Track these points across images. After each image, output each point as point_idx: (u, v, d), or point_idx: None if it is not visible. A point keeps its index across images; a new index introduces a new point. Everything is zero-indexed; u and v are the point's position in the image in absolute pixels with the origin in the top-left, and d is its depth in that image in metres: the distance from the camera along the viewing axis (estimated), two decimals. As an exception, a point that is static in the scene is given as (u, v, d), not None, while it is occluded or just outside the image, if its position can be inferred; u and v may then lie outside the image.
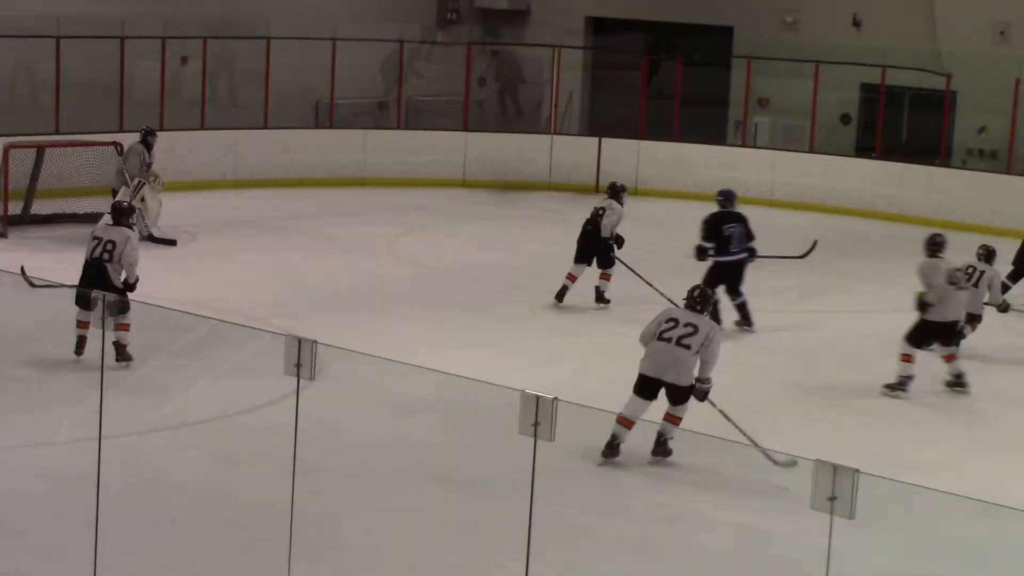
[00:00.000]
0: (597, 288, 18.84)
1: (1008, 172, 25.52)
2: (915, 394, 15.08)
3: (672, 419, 12.66)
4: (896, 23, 27.98)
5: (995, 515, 9.93)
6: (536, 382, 8.51)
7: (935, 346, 15.35)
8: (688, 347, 12.52)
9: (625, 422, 12.47)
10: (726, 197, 17.90)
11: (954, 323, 15.31)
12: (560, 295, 18.54)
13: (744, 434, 12.54)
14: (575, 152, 27.63)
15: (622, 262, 18.69)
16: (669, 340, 12.57)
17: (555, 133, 27.93)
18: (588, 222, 18.77)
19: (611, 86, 31.67)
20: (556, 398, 7.57)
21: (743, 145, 28.49)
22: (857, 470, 6.87)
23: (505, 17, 32.55)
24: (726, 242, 17.39)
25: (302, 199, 25.08)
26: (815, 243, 19.28)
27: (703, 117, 29.82)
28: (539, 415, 7.59)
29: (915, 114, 27.75)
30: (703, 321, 12.84)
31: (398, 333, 16.62)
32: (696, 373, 12.60)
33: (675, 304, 14.25)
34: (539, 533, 7.96)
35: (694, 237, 17.74)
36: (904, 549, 10.68)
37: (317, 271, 20.25)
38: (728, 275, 17.50)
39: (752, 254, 17.53)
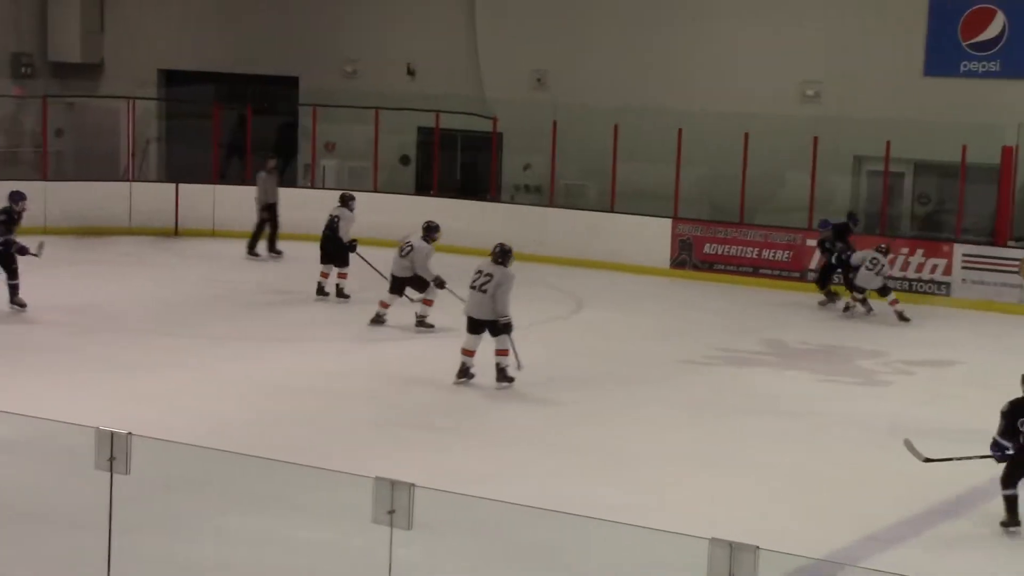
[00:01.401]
0: (337, 286, 21.24)
1: (550, 205, 26.34)
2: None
3: (500, 352, 16.51)
4: (446, 72, 28.60)
5: (553, 519, 10.19)
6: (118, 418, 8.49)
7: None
8: (485, 291, 16.25)
9: (466, 352, 16.68)
10: None
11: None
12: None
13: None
14: (154, 197, 27.25)
15: (363, 259, 21.31)
16: (474, 287, 16.45)
17: (133, 180, 27.58)
18: (327, 227, 21.32)
19: (186, 135, 31.47)
20: (130, 433, 7.57)
21: (312, 187, 28.64)
22: (412, 484, 7.05)
23: (79, 70, 32.00)
24: None
25: None
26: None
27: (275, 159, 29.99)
28: (114, 450, 7.57)
29: (467, 154, 28.38)
30: (497, 270, 16.41)
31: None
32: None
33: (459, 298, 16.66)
34: (119, 561, 7.96)
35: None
36: (464, 555, 10.90)
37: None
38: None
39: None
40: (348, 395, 16.47)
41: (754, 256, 24.38)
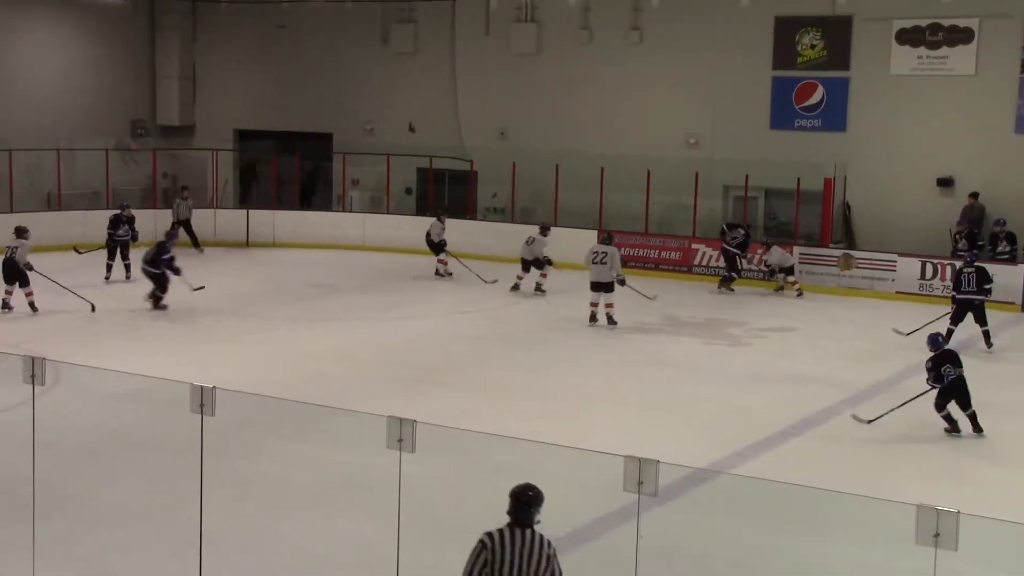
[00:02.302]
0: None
1: (511, 221, 26.30)
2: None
3: (610, 305, 18.30)
4: (437, 128, 28.55)
5: (514, 444, 10.20)
6: (207, 376, 8.48)
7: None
8: (604, 263, 18.14)
9: (593, 304, 18.40)
10: None
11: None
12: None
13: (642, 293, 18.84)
14: (231, 219, 27.10)
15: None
16: (595, 263, 18.23)
17: (217, 207, 27.47)
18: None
19: (253, 175, 31.42)
20: (215, 386, 7.54)
21: (343, 211, 28.57)
22: (415, 420, 7.03)
23: (178, 130, 31.86)
24: None
25: (41, 260, 23.89)
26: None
27: (316, 193, 29.88)
28: (204, 399, 7.54)
29: (453, 186, 28.28)
30: (608, 248, 18.35)
31: (111, 349, 16.16)
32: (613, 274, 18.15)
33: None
34: (208, 478, 7.95)
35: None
36: (452, 470, 10.95)
37: (54, 308, 19.41)
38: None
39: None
40: (373, 359, 16.45)
41: (655, 256, 24.38)
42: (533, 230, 22.21)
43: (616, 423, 13.28)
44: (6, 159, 25.49)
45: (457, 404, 13.73)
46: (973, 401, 12.96)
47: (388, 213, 27.58)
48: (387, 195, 27.89)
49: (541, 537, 6.28)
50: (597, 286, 18.45)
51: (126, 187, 29.01)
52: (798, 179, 23.29)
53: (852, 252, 22.91)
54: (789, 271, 22.24)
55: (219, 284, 21.88)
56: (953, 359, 12.99)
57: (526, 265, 21.35)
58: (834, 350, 17.72)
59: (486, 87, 28.13)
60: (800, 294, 21.88)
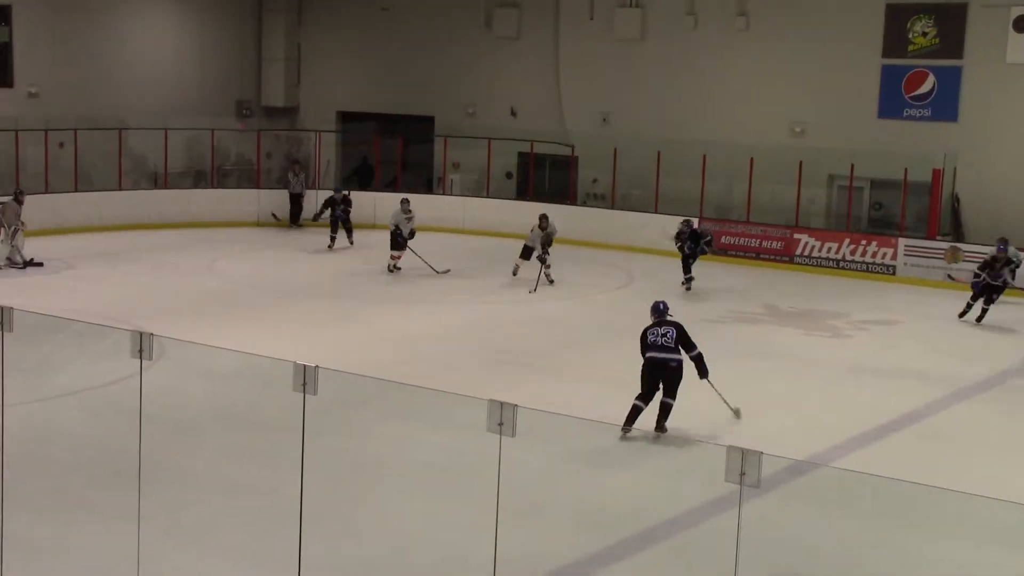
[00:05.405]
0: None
1: (612, 207, 26.18)
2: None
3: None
4: (538, 113, 28.51)
5: (608, 430, 10.19)
6: (309, 355, 8.57)
7: None
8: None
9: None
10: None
11: None
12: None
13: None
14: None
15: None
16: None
17: (319, 188, 27.70)
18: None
19: (355, 156, 31.64)
20: (317, 366, 7.58)
21: (444, 193, 28.67)
22: (516, 405, 7.01)
23: (282, 112, 32.23)
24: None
25: (149, 237, 24.48)
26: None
27: (418, 175, 30.03)
28: (306, 378, 7.57)
29: (553, 171, 28.24)
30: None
31: (215, 326, 16.42)
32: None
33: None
34: (309, 455, 8.00)
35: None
36: (553, 455, 10.93)
37: (159, 285, 19.84)
38: None
39: None
40: (472, 341, 16.49)
41: (756, 245, 24.10)
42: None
43: (717, 412, 13.14)
44: (116, 137, 26.01)
45: (554, 389, 13.71)
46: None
47: (488, 197, 27.63)
48: (487, 179, 27.92)
49: None
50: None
51: (231, 166, 29.50)
52: (905, 169, 22.82)
53: (960, 245, 22.40)
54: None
55: (319, 265, 22.16)
56: None
57: (528, 252, 20.78)
58: (939, 344, 17.35)
59: (589, 72, 27.99)
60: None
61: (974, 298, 18.91)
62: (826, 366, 15.72)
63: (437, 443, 11.26)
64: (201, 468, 10.72)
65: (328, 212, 24.39)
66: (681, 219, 21.60)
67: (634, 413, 11.71)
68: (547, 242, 20.52)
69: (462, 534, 9.16)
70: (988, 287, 18.76)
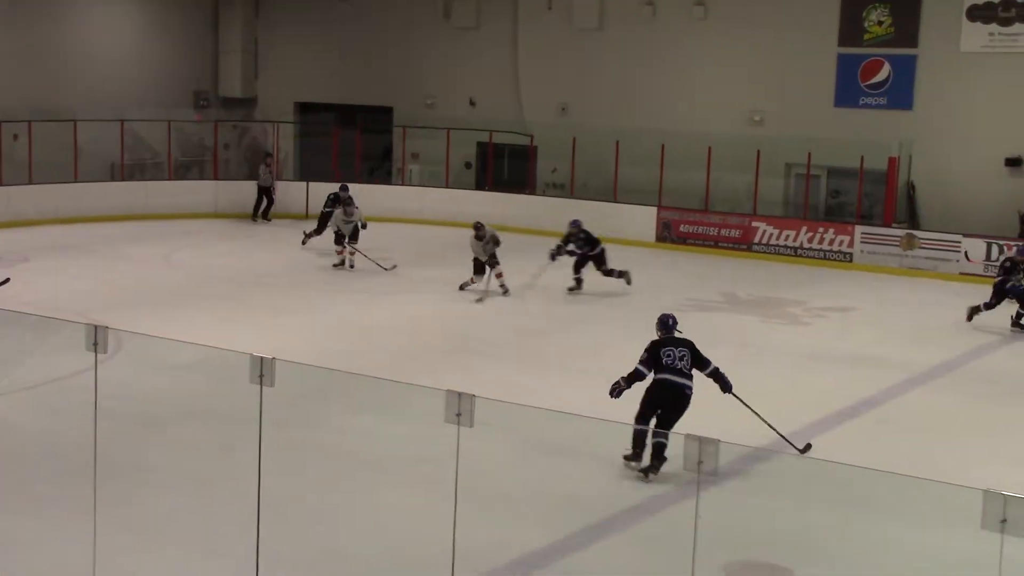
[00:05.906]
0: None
1: (571, 196, 26.15)
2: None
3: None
4: (497, 103, 28.46)
5: (565, 419, 10.15)
6: (266, 346, 8.53)
7: None
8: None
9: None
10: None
11: None
12: None
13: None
14: (291, 191, 27.22)
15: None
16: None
17: (277, 179, 27.53)
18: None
19: (314, 148, 31.45)
20: (274, 357, 7.53)
21: (403, 184, 28.60)
22: (474, 395, 7.00)
23: (240, 102, 32.00)
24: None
25: (105, 229, 24.23)
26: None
27: (377, 166, 29.90)
28: (263, 370, 7.52)
29: (512, 161, 28.22)
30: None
31: (173, 318, 16.29)
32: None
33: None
34: (267, 447, 7.97)
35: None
36: (512, 444, 10.92)
37: (116, 277, 19.66)
38: None
39: None
40: (431, 331, 16.47)
41: (715, 233, 24.20)
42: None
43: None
44: (71, 129, 25.75)
45: (514, 379, 13.71)
46: None
47: (448, 187, 27.58)
48: (446, 169, 27.85)
49: None
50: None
51: (187, 158, 29.28)
52: (861, 158, 22.98)
53: (915, 232, 22.59)
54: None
55: (280, 256, 22.03)
56: None
57: (480, 267, 19.03)
58: (896, 330, 17.48)
59: (547, 62, 27.97)
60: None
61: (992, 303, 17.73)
62: (784, 353, 15.80)
63: (396, 433, 11.24)
64: (159, 461, 10.63)
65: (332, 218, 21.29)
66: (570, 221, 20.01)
67: (639, 438, 10.42)
68: (491, 251, 18.85)
69: (422, 524, 9.14)
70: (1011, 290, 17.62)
